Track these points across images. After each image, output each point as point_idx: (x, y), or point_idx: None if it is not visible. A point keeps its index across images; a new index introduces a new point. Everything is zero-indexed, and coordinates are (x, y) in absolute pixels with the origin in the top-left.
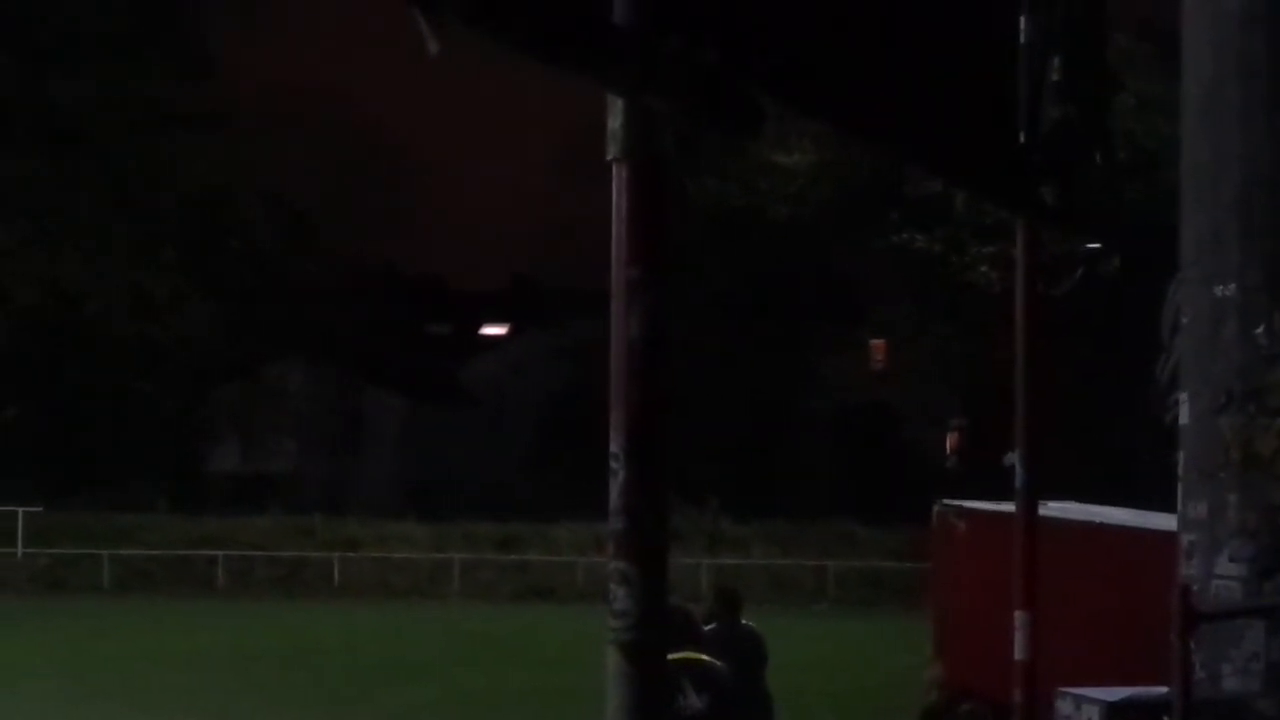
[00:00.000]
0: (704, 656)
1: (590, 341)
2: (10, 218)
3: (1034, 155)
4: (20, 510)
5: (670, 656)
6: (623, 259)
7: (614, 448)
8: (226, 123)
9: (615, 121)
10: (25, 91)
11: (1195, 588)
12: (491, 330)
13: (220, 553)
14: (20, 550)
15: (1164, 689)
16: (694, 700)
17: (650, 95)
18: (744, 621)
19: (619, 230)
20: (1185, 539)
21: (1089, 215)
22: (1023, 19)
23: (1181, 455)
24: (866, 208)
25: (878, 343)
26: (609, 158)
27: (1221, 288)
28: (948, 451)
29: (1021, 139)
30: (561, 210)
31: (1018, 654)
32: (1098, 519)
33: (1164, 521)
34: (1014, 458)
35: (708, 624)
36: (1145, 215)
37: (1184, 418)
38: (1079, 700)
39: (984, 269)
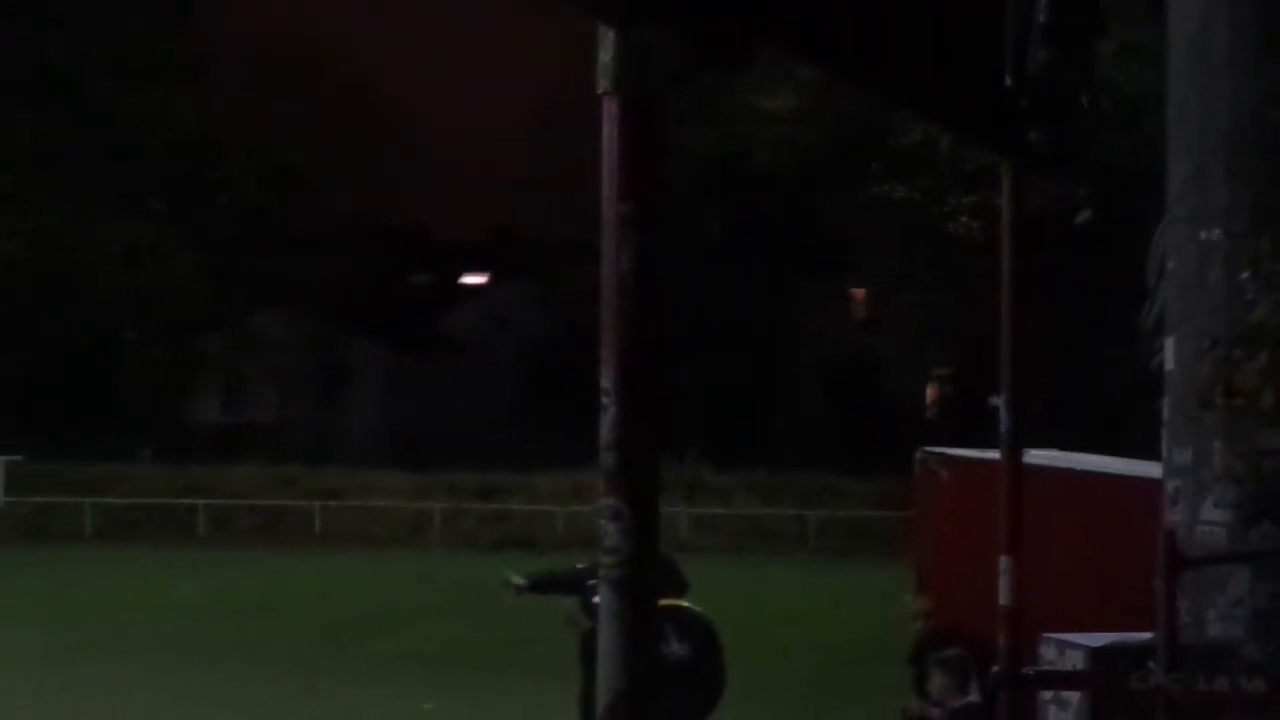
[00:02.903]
0: (685, 603)
1: (571, 291)
2: None
3: (1021, 98)
4: (2, 459)
5: None
6: (614, 195)
7: (605, 383)
8: (211, 75)
9: (606, 55)
10: (11, 43)
11: (1180, 533)
12: (472, 280)
13: (201, 501)
14: (1, 498)
15: (1149, 634)
16: (676, 647)
17: (642, 27)
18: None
19: (610, 165)
20: (1170, 485)
21: (1076, 160)
22: None
23: (1166, 400)
24: (849, 157)
25: (859, 292)
26: (599, 91)
27: (1206, 232)
28: (928, 402)
29: (1008, 82)
30: (543, 161)
31: (1002, 599)
32: (1081, 466)
33: (1148, 469)
34: (999, 400)
35: None
36: (1129, 163)
37: (1169, 363)
38: (1063, 645)
39: (964, 219)
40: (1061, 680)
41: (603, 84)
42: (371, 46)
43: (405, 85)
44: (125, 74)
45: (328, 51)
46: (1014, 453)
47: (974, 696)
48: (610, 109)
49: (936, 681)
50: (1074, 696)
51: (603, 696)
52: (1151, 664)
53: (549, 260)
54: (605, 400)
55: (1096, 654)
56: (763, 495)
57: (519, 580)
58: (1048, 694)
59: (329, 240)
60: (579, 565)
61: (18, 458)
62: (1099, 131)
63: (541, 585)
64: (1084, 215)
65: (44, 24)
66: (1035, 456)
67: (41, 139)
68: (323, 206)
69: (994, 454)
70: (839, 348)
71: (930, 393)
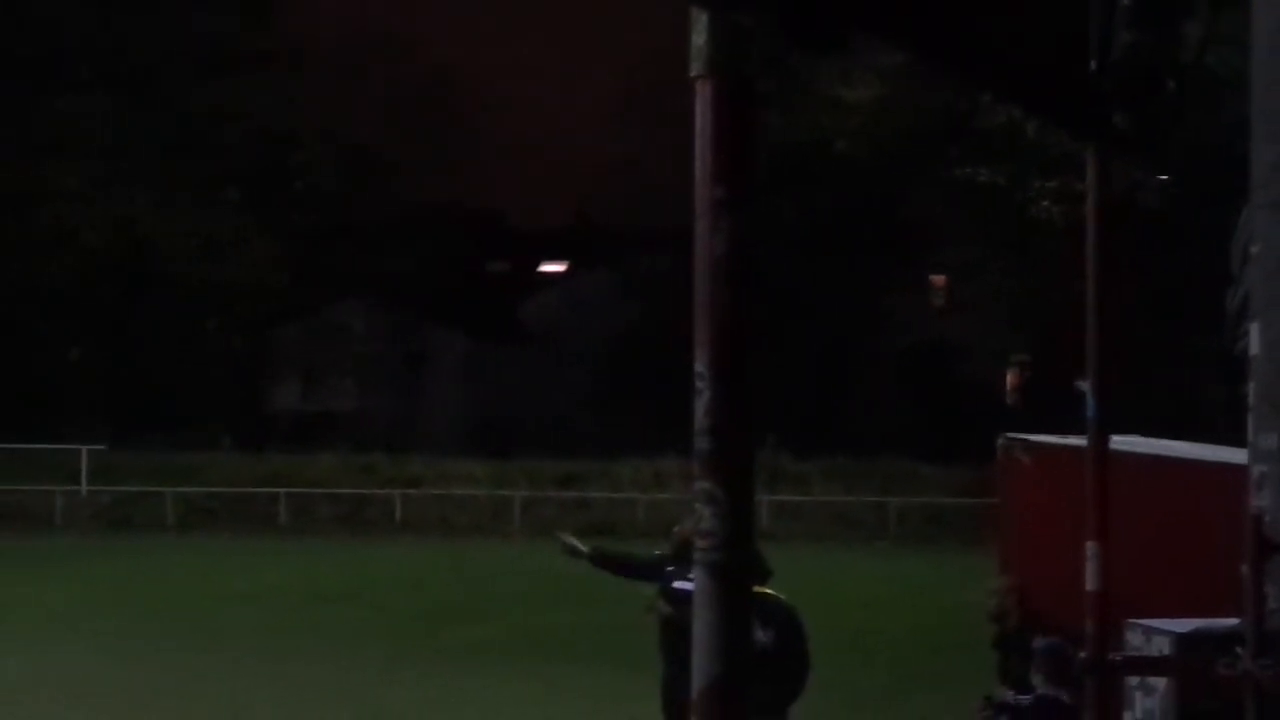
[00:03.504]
0: (768, 590)
1: (651, 278)
2: (77, 159)
3: (1105, 82)
4: (84, 449)
5: None
6: (707, 178)
7: (699, 366)
8: (289, 63)
9: (699, 37)
10: (92, 33)
11: (1267, 519)
12: (551, 267)
13: (283, 490)
14: (84, 488)
15: (1234, 620)
16: (760, 635)
17: (736, 10)
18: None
19: (703, 149)
20: (1256, 470)
21: (1161, 144)
22: None
23: (1252, 386)
24: (930, 143)
25: (938, 278)
26: (692, 75)
27: None
28: (1008, 388)
29: (1093, 65)
30: (622, 147)
31: (1089, 585)
32: (1166, 451)
33: (1233, 455)
34: (1085, 385)
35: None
36: (1214, 147)
37: (1254, 348)
38: (1149, 631)
39: (1046, 203)
40: (1148, 666)
41: (696, 67)
42: (450, 32)
43: (484, 71)
44: (204, 64)
45: (406, 38)
46: (1100, 438)
47: (1064, 692)
48: (704, 92)
49: (1037, 670)
50: (1160, 682)
51: (697, 681)
52: (1239, 650)
53: (628, 248)
54: (699, 384)
55: (1183, 640)
56: (842, 482)
57: (574, 542)
58: (1134, 680)
59: (407, 228)
60: (657, 552)
61: (100, 447)
62: (1184, 116)
63: (614, 565)
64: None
65: (123, 15)
66: (1119, 442)
67: (121, 130)
68: (401, 194)
69: (1078, 440)
70: (918, 334)
71: (1010, 378)
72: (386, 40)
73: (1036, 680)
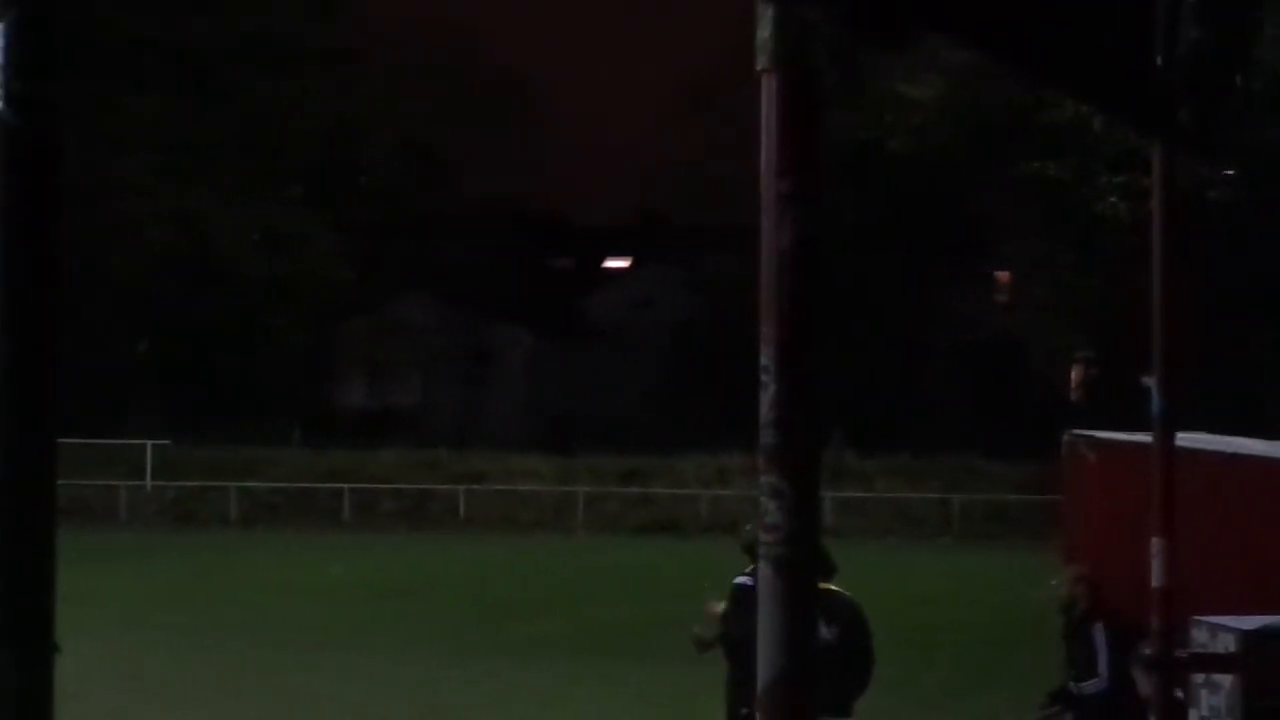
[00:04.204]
0: (833, 586)
1: (715, 275)
2: (141, 154)
3: (1171, 77)
4: (149, 444)
5: None
6: (773, 172)
7: (764, 360)
8: (354, 59)
9: (764, 31)
10: (156, 29)
11: None
12: (614, 264)
13: (346, 486)
14: (149, 483)
15: None
16: (824, 631)
17: (801, 2)
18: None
19: (768, 143)
20: None
21: (1227, 140)
22: None
23: None
24: (993, 140)
25: (1003, 275)
26: (758, 68)
27: None
28: (1072, 385)
29: (1159, 61)
30: (686, 144)
31: (1155, 581)
32: (1232, 448)
33: None
34: (1151, 381)
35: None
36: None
37: None
38: (1215, 628)
39: (1113, 199)
40: (1213, 663)
41: (761, 60)
42: (514, 28)
43: (548, 67)
44: (268, 59)
45: (470, 34)
46: (1166, 435)
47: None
48: (768, 85)
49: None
50: (1225, 679)
51: (762, 676)
52: None
53: (692, 244)
54: (765, 378)
55: (1248, 636)
56: (906, 479)
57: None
58: (1200, 677)
59: (471, 224)
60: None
61: (164, 442)
62: (1250, 112)
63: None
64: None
65: (187, 10)
66: (1184, 439)
67: (186, 126)
68: (465, 191)
69: (1144, 437)
70: (981, 330)
71: (1074, 375)
72: (451, 37)
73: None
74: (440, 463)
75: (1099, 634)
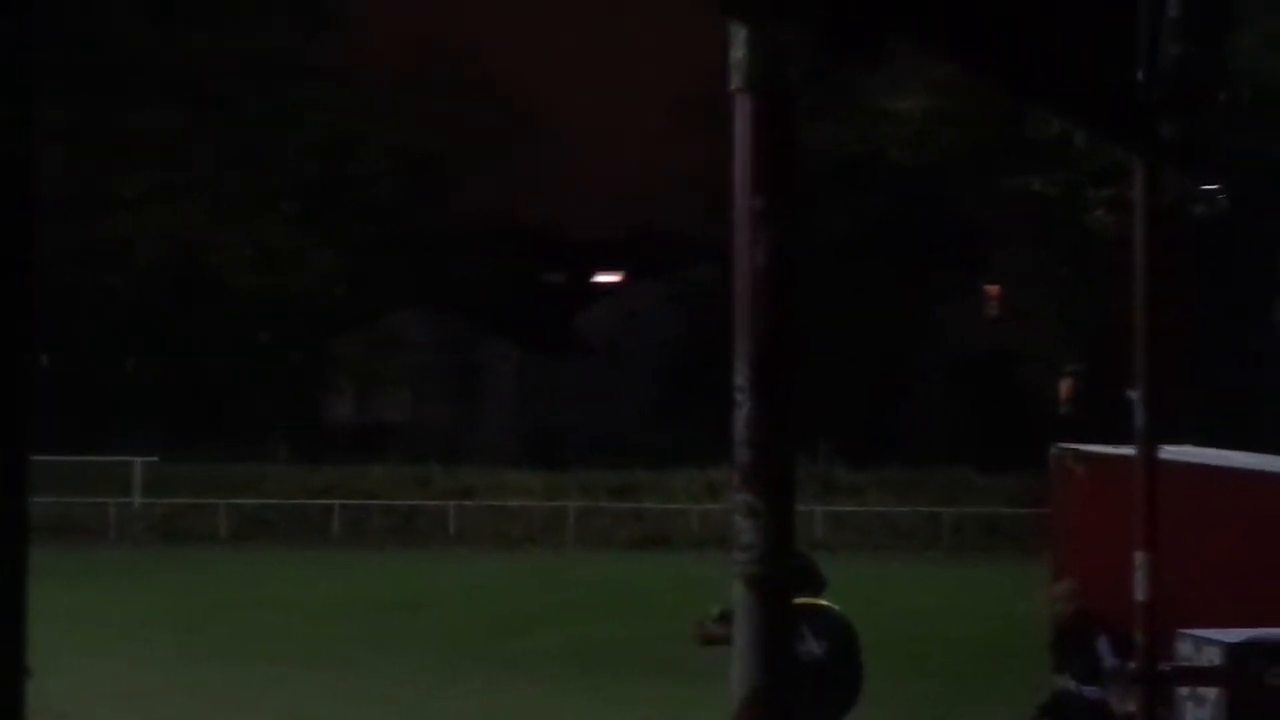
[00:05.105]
0: (822, 601)
1: (706, 289)
2: (133, 170)
3: (1153, 93)
4: (138, 460)
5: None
6: (746, 190)
7: (739, 379)
8: (348, 75)
9: (738, 51)
10: (150, 45)
11: None
12: (605, 279)
13: (336, 502)
14: (138, 500)
15: None
16: (813, 646)
17: (775, 24)
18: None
19: (742, 161)
20: None
21: (1210, 154)
22: None
23: None
24: (982, 153)
25: (992, 289)
26: (731, 88)
27: None
28: (1062, 398)
29: (1140, 76)
30: (677, 159)
31: (1138, 595)
32: (1218, 461)
33: None
34: (1134, 395)
35: None
36: (1264, 156)
37: None
38: (1199, 641)
39: (1099, 213)
40: (1198, 676)
41: (735, 80)
42: (506, 46)
43: (539, 85)
44: (263, 76)
45: (463, 52)
46: (1149, 448)
47: None
48: (742, 105)
49: None
50: (1210, 692)
51: (737, 693)
52: None
53: (683, 259)
54: (739, 396)
55: (1233, 650)
56: (896, 492)
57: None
58: (1185, 690)
59: (464, 240)
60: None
61: (154, 459)
62: (1233, 125)
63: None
64: (1208, 203)
65: (183, 26)
66: (1170, 452)
67: (178, 141)
68: (457, 206)
69: (1130, 450)
70: (971, 343)
71: (1064, 388)
72: (444, 54)
73: None
74: (431, 478)
75: (1103, 645)
